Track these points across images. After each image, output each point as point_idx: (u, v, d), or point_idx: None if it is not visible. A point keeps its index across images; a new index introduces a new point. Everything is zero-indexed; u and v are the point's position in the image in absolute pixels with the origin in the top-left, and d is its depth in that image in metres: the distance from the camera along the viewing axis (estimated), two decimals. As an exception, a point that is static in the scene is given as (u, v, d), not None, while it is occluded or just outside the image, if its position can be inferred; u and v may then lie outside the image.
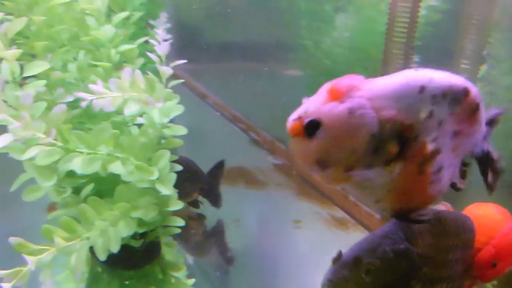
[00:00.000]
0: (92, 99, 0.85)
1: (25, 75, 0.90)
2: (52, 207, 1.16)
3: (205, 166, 1.33)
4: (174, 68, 1.00)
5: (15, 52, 0.86)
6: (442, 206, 0.74)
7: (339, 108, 0.51)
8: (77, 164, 0.87)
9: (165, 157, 0.96)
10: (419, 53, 1.64)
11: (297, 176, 1.60)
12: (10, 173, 0.97)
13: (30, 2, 0.94)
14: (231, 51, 2.15)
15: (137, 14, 1.13)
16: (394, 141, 0.49)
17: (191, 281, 1.11)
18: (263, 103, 2.02)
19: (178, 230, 1.05)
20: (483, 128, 0.57)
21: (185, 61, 1.06)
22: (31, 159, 0.93)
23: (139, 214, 0.94)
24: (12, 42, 0.92)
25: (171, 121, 1.03)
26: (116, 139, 0.91)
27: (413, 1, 1.12)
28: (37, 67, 0.89)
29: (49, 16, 0.94)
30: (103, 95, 0.85)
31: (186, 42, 2.18)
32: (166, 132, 1.02)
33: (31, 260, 0.81)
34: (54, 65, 0.99)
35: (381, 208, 0.60)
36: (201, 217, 1.35)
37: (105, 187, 0.99)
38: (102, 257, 0.91)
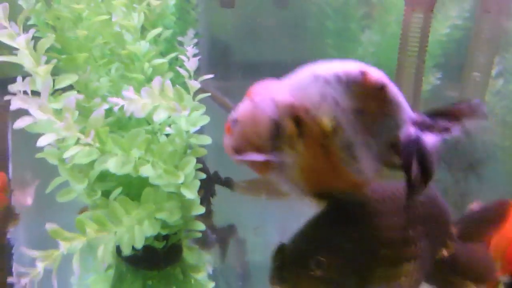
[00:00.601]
0: (124, 105, 0.91)
1: (56, 87, 0.96)
2: (83, 210, 1.24)
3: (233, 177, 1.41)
4: (205, 86, 1.07)
5: (46, 67, 0.93)
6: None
7: (246, 103, 0.61)
8: (112, 165, 0.93)
9: (191, 163, 1.02)
10: (441, 69, 1.66)
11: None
12: (48, 177, 1.06)
13: (75, 18, 1.03)
14: (260, 69, 2.22)
15: (168, 32, 1.20)
16: (291, 123, 0.55)
17: (211, 284, 1.16)
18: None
19: (199, 235, 1.11)
20: (405, 111, 0.56)
21: (212, 76, 1.11)
22: (65, 164, 1.01)
23: (163, 216, 1.00)
24: (51, 56, 1.01)
25: (199, 132, 1.09)
26: (148, 144, 0.97)
27: (425, 18, 1.16)
28: (67, 79, 0.97)
29: (90, 31, 1.02)
30: (134, 101, 0.91)
31: (216, 60, 2.27)
32: (192, 141, 1.08)
33: (63, 244, 0.88)
34: (92, 77, 1.07)
35: (303, 192, 0.62)
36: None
37: (133, 191, 1.06)
38: (127, 251, 0.97)
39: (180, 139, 1.05)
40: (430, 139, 0.54)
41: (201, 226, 1.10)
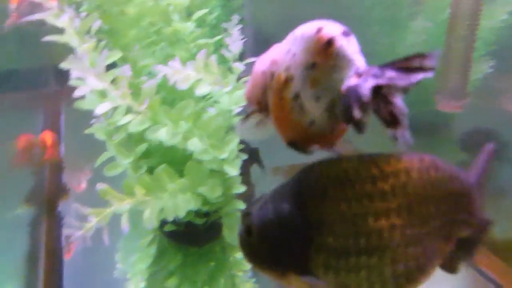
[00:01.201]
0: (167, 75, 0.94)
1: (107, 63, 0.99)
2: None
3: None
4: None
5: (91, 44, 0.97)
6: None
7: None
8: (163, 134, 0.96)
9: (235, 140, 1.04)
10: (495, 58, 1.59)
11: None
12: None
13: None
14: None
15: (213, 16, 1.22)
16: (270, 76, 0.60)
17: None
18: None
19: (239, 214, 1.12)
20: (354, 65, 0.54)
21: (255, 59, 1.12)
22: (113, 139, 1.05)
23: (205, 191, 1.02)
24: (102, 34, 1.04)
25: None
26: (195, 117, 1.00)
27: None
28: (112, 56, 1.00)
29: (139, 9, 1.05)
30: (178, 71, 0.93)
31: (262, 47, 2.27)
32: (235, 121, 1.09)
33: (114, 203, 0.93)
34: (139, 56, 1.10)
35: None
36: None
37: (176, 168, 1.09)
38: (170, 217, 1.00)
39: (223, 118, 1.06)
40: (368, 83, 0.51)
41: (242, 205, 1.11)
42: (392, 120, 0.51)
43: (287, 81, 0.60)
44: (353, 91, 0.51)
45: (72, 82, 0.97)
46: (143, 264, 1.20)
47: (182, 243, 1.20)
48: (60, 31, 0.98)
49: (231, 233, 1.19)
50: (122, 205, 0.95)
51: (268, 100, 0.63)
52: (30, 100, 2.14)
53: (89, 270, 1.22)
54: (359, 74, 0.53)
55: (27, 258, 1.22)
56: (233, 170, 1.03)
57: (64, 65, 0.99)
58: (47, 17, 0.95)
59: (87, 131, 1.05)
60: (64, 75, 1.01)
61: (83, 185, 1.55)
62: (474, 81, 1.48)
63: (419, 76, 0.50)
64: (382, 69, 0.52)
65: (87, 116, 1.06)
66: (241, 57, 1.08)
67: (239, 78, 1.06)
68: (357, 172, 0.53)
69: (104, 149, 1.08)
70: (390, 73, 0.51)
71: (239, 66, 1.05)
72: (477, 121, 1.65)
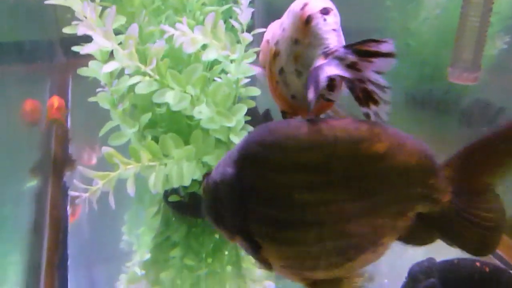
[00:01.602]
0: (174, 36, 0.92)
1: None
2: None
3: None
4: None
5: (95, 11, 0.94)
6: None
7: None
8: (170, 98, 0.94)
9: (243, 110, 1.02)
10: (510, 33, 1.54)
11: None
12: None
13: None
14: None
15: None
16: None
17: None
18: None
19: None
20: (326, 44, 0.54)
21: (265, 29, 1.09)
22: (117, 108, 1.03)
23: (210, 160, 1.01)
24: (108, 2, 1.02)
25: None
26: (203, 82, 0.97)
27: None
28: (116, 21, 0.98)
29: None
30: (185, 33, 0.91)
31: (271, 19, 2.23)
32: (242, 91, 1.07)
33: (120, 166, 0.92)
34: (145, 23, 1.08)
35: None
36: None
37: (182, 138, 1.07)
38: (176, 184, 0.98)
39: (230, 88, 1.04)
40: (329, 69, 0.51)
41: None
42: (366, 98, 0.50)
43: (275, 55, 0.62)
44: (314, 75, 0.51)
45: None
46: (148, 236, 1.20)
47: (186, 214, 1.19)
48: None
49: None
50: (127, 169, 0.93)
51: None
52: (38, 72, 2.13)
53: (94, 241, 1.22)
54: (326, 55, 0.53)
55: (32, 228, 1.23)
56: (239, 140, 1.01)
57: (67, 30, 0.97)
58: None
59: (90, 99, 1.04)
60: (70, 48, 1.00)
61: (93, 160, 1.55)
62: (488, 57, 1.44)
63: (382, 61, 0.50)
64: (346, 52, 0.52)
65: (94, 88, 1.05)
66: (251, 29, 1.05)
67: (247, 49, 1.04)
68: (287, 141, 0.49)
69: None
70: (353, 57, 0.51)
71: (247, 37, 1.03)
72: (489, 97, 1.61)
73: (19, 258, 1.15)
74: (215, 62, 1.05)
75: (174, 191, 1.14)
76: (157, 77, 0.94)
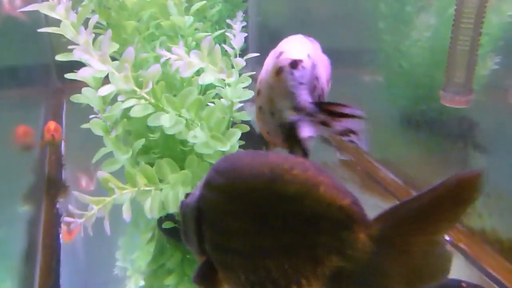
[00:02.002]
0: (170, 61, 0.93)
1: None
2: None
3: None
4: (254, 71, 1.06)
5: (88, 36, 0.94)
6: None
7: None
8: (166, 121, 0.94)
9: (237, 135, 1.02)
10: (501, 54, 1.56)
11: (362, 172, 1.62)
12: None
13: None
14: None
15: (214, 10, 1.20)
16: None
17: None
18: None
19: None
20: (293, 98, 0.61)
21: (258, 54, 1.10)
22: (110, 134, 1.03)
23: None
24: (103, 26, 1.03)
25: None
26: (198, 106, 0.98)
27: None
28: (111, 48, 0.98)
29: (138, 1, 1.04)
30: (182, 57, 0.92)
31: (265, 44, 2.25)
32: (236, 115, 1.07)
33: (116, 192, 0.91)
34: (139, 49, 1.09)
35: None
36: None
37: (177, 163, 1.07)
38: (172, 209, 0.98)
39: (223, 112, 1.04)
40: (305, 129, 0.58)
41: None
42: (346, 132, 0.60)
43: (258, 93, 0.69)
44: (290, 127, 0.60)
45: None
46: (143, 262, 1.19)
47: (181, 241, 1.18)
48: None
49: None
50: (123, 194, 0.93)
51: None
52: (32, 97, 2.14)
53: (88, 267, 1.21)
54: (296, 109, 0.60)
55: (25, 255, 1.21)
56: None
57: (60, 58, 0.98)
58: (43, 9, 0.93)
59: (83, 126, 1.04)
60: (65, 73, 1.00)
61: (89, 186, 1.55)
62: (480, 78, 1.45)
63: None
64: (316, 110, 0.59)
65: (89, 113, 1.04)
66: (245, 53, 1.06)
67: (241, 73, 1.04)
68: (229, 170, 0.52)
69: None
70: (323, 116, 0.59)
71: (240, 62, 1.04)
72: (483, 117, 1.62)
73: (10, 285, 1.13)
74: (209, 86, 1.05)
75: (168, 217, 1.13)
76: (152, 100, 0.94)
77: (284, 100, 0.62)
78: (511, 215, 1.26)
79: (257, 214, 0.48)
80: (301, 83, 0.60)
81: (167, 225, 1.13)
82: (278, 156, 0.50)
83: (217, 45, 0.97)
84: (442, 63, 1.65)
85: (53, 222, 1.32)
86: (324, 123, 0.58)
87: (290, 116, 0.60)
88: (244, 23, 1.14)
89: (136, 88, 0.92)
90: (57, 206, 1.38)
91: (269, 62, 0.67)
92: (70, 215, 0.89)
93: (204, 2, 1.12)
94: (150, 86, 0.92)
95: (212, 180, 0.53)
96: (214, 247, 0.52)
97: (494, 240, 1.19)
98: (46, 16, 0.96)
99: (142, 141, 1.03)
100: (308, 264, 0.47)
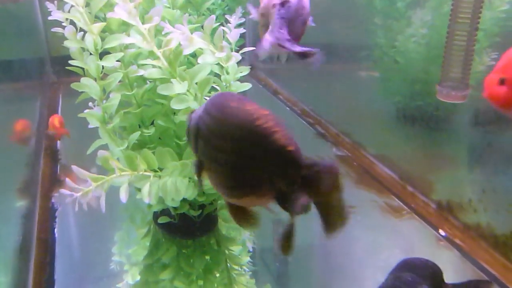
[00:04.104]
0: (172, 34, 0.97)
1: (105, 47, 0.98)
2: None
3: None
4: (253, 68, 1.06)
5: (99, 25, 0.96)
6: None
7: None
8: (178, 88, 0.96)
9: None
10: (497, 49, 1.56)
11: (358, 167, 1.62)
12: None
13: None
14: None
15: (208, 3, 1.19)
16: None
17: (246, 258, 1.14)
18: (331, 99, 2.04)
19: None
20: (273, 21, 0.85)
21: (253, 48, 1.09)
22: (106, 126, 1.02)
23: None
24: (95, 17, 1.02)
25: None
26: (206, 85, 0.99)
27: None
28: (116, 40, 0.98)
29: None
30: (185, 34, 0.95)
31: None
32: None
33: (116, 170, 0.92)
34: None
35: None
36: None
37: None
38: (170, 197, 0.98)
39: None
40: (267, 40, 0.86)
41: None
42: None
43: (261, 16, 0.91)
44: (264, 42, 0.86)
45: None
46: (139, 256, 1.18)
47: (177, 236, 1.18)
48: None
49: (227, 226, 1.17)
50: (122, 176, 0.93)
51: None
52: (27, 90, 2.12)
53: (82, 263, 1.20)
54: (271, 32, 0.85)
55: (19, 249, 1.20)
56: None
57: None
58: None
59: (80, 115, 1.03)
60: (61, 67, 1.00)
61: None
62: (476, 74, 1.45)
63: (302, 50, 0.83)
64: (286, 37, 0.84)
65: (84, 108, 1.04)
66: (242, 49, 1.07)
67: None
68: (217, 105, 0.68)
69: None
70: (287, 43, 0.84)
71: (236, 55, 1.03)
72: (478, 113, 1.62)
73: (4, 279, 1.12)
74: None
75: (164, 212, 1.13)
76: (166, 64, 0.95)
77: (270, 24, 0.86)
78: (505, 210, 1.27)
79: (235, 143, 0.65)
80: (282, 18, 0.84)
81: (162, 219, 1.13)
82: (253, 108, 0.66)
83: (220, 28, 0.99)
84: (438, 58, 1.65)
85: (48, 216, 1.31)
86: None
87: (266, 35, 0.86)
88: (243, 19, 1.13)
89: (155, 49, 0.94)
90: (52, 200, 1.38)
91: None
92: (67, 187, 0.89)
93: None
94: (172, 45, 0.94)
95: (208, 109, 0.69)
96: (204, 155, 0.70)
97: (489, 235, 1.19)
98: (41, 9, 0.96)
99: (137, 134, 1.02)
100: (265, 183, 0.65)
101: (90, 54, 0.99)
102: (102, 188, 0.91)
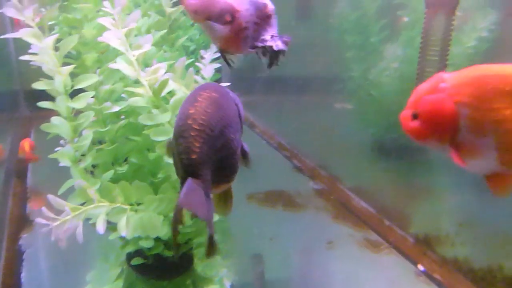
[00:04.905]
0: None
1: (76, 87, 0.97)
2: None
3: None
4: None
5: (68, 68, 0.94)
6: None
7: None
8: (166, 117, 0.95)
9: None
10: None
11: (335, 201, 1.62)
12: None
13: (82, 18, 1.03)
14: (283, 84, 2.20)
15: (183, 39, 1.20)
16: (228, 15, 0.84)
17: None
18: (307, 132, 2.06)
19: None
20: (274, 31, 0.88)
21: (229, 84, 1.10)
22: (78, 165, 0.99)
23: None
24: (65, 57, 1.01)
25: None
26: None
27: (447, 20, 1.13)
28: (87, 79, 0.96)
29: (98, 31, 1.01)
30: (158, 69, 0.94)
31: (240, 75, 2.26)
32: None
33: (94, 201, 0.91)
34: (103, 80, 1.06)
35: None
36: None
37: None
38: (145, 233, 0.96)
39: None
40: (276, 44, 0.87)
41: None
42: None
43: (244, 27, 0.87)
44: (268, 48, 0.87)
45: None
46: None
47: (151, 276, 1.14)
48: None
49: (203, 265, 1.14)
50: (99, 207, 0.91)
51: None
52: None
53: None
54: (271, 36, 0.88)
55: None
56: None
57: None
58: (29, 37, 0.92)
59: (51, 156, 1.00)
60: (34, 101, 0.98)
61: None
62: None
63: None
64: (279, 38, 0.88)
65: (57, 142, 1.01)
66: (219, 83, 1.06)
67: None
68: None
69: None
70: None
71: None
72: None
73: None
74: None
75: (138, 252, 1.09)
76: (150, 93, 0.94)
77: (265, 30, 0.88)
78: (482, 244, 1.28)
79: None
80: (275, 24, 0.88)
81: (136, 261, 1.09)
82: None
83: (191, 69, 0.98)
84: (411, 91, 1.68)
85: (15, 259, 1.25)
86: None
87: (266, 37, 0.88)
88: (218, 54, 1.14)
89: (140, 76, 0.93)
90: (19, 242, 1.32)
91: (252, 10, 0.87)
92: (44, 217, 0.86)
93: (165, 31, 1.11)
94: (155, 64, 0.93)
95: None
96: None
97: (467, 269, 1.19)
98: (15, 42, 0.95)
99: (110, 173, 1.00)
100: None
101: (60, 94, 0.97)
102: (79, 218, 0.88)
